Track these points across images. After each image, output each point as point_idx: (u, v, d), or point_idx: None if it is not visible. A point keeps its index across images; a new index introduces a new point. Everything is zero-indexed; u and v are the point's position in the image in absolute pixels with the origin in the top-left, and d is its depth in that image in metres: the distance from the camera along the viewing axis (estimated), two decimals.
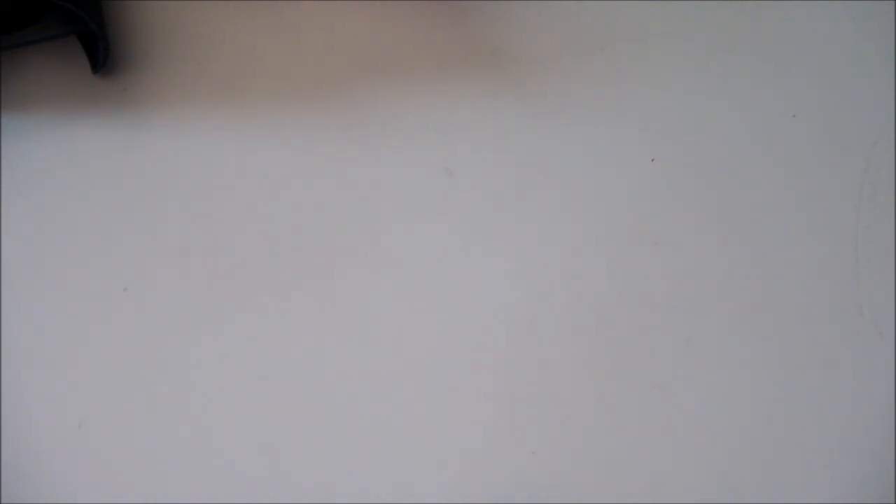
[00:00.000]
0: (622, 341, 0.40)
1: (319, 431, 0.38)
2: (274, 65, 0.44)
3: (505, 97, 0.44)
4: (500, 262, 0.41)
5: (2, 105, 0.42)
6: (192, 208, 0.41)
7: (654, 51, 0.46)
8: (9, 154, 0.42)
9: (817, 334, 0.40)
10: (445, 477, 0.37)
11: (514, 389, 0.39)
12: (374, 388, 0.39)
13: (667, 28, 0.46)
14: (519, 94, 0.44)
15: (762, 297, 0.41)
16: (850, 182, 0.43)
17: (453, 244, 0.41)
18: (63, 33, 0.42)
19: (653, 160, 0.43)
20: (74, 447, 0.37)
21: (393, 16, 0.46)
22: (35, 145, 0.42)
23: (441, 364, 0.39)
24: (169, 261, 0.40)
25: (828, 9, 0.47)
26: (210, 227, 0.41)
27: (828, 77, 0.45)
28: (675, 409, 0.39)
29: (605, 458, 0.38)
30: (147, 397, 0.38)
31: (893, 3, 0.47)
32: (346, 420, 0.38)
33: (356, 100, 0.44)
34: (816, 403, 0.39)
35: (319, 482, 0.37)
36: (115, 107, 0.43)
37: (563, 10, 0.46)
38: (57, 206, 0.41)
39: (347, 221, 0.41)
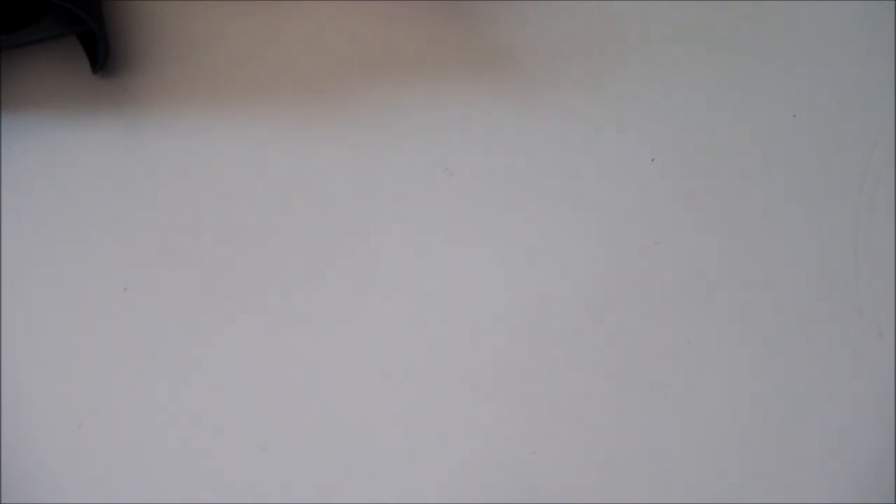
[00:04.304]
0: (622, 341, 0.40)
1: (319, 431, 0.38)
2: (274, 64, 0.44)
3: (505, 97, 0.44)
4: (500, 262, 0.41)
5: (2, 105, 0.42)
6: (192, 208, 0.41)
7: (654, 51, 0.46)
8: (9, 154, 0.42)
9: (817, 334, 0.40)
10: (445, 477, 0.37)
11: (513, 389, 0.39)
12: (375, 387, 0.39)
13: (667, 28, 0.46)
14: (519, 93, 0.44)
15: (762, 297, 0.41)
16: (850, 182, 0.43)
17: (453, 243, 0.41)
18: (63, 33, 0.42)
19: (653, 160, 0.43)
20: (74, 447, 0.37)
21: (393, 16, 0.46)
22: (35, 145, 0.42)
23: (441, 364, 0.39)
24: (169, 261, 0.40)
25: (828, 8, 0.47)
26: (210, 227, 0.41)
27: (828, 77, 0.45)
28: (675, 409, 0.39)
29: (605, 458, 0.38)
30: (147, 397, 0.38)
31: (893, 3, 0.47)
32: (346, 420, 0.38)
33: (356, 99, 0.44)
34: (816, 403, 0.39)
35: (319, 482, 0.37)
36: (116, 106, 0.43)
37: (563, 10, 0.46)
38: (57, 206, 0.41)
39: (348, 221, 0.41)
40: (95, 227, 0.41)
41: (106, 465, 0.37)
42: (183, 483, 0.37)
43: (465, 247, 0.41)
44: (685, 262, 0.41)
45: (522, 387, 0.39)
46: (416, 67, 0.45)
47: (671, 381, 0.39)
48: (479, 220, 0.42)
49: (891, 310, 0.41)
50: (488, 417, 0.38)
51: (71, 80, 0.43)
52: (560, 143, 0.43)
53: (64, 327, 0.39)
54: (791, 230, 0.42)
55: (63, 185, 0.41)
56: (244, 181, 0.42)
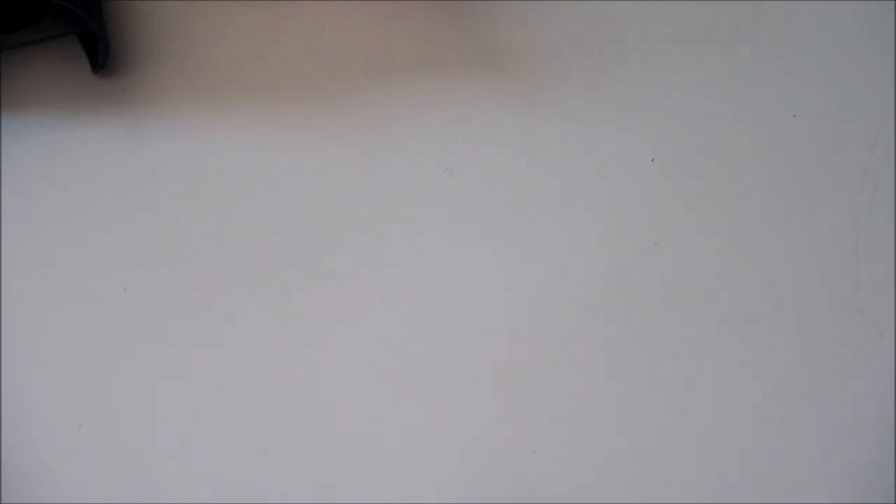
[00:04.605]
0: (622, 341, 0.40)
1: (319, 432, 0.38)
2: (274, 64, 0.44)
3: (505, 97, 0.44)
4: (499, 262, 0.41)
5: (2, 105, 0.42)
6: (192, 208, 0.41)
7: (654, 51, 0.46)
8: (9, 154, 0.42)
9: (817, 334, 0.40)
10: (445, 477, 0.37)
11: (514, 389, 0.39)
12: (375, 387, 0.39)
13: (667, 28, 0.46)
14: (519, 93, 0.44)
15: (762, 297, 0.41)
16: (850, 182, 0.43)
17: (453, 244, 0.41)
18: (63, 33, 0.42)
19: (653, 160, 0.43)
20: (74, 447, 0.37)
21: (393, 15, 0.46)
22: (35, 145, 0.42)
23: (441, 364, 0.39)
24: (169, 261, 0.40)
25: (828, 8, 0.47)
26: (210, 227, 0.41)
27: (828, 77, 0.45)
28: (675, 409, 0.39)
29: (605, 458, 0.38)
30: (147, 397, 0.38)
31: (893, 3, 0.47)
32: (346, 420, 0.38)
33: (356, 99, 0.44)
34: (816, 403, 0.39)
35: (319, 482, 0.37)
36: (116, 106, 0.43)
37: (563, 10, 0.46)
38: (57, 205, 0.41)
39: (347, 221, 0.41)
40: (95, 227, 0.41)
41: (106, 465, 0.37)
42: (183, 483, 0.37)
43: (465, 247, 0.41)
44: (685, 262, 0.41)
45: (522, 387, 0.39)
46: (416, 67, 0.45)
47: (671, 381, 0.39)
48: (479, 220, 0.42)
49: (891, 310, 0.41)
50: (488, 417, 0.38)
51: (71, 80, 0.43)
52: (560, 143, 0.43)
53: (64, 327, 0.39)
54: (791, 230, 0.42)
55: (63, 185, 0.41)
56: (244, 180, 0.42)
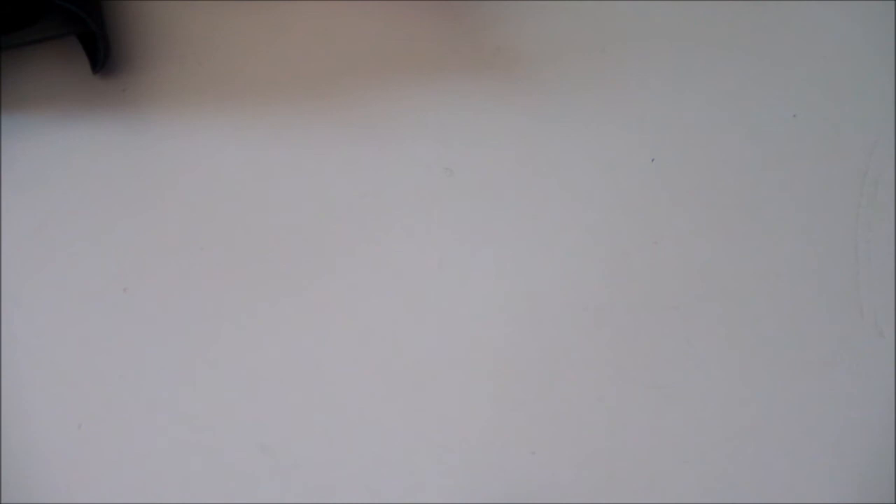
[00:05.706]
0: (622, 341, 0.40)
1: (319, 431, 0.38)
2: (274, 64, 0.44)
3: (505, 97, 0.44)
4: (499, 262, 0.41)
5: (2, 105, 0.42)
6: (192, 208, 0.41)
7: (654, 51, 0.46)
8: (9, 154, 0.42)
9: (817, 334, 0.40)
10: (445, 477, 0.37)
11: (513, 389, 0.39)
12: (374, 387, 0.39)
13: (667, 28, 0.46)
14: (519, 93, 0.44)
15: (762, 298, 0.41)
16: (850, 182, 0.43)
17: (453, 244, 0.41)
18: (63, 33, 0.42)
19: (653, 160, 0.43)
20: (74, 447, 0.37)
21: (393, 16, 0.46)
22: (35, 145, 0.42)
23: (441, 363, 0.39)
24: (169, 261, 0.40)
25: (828, 9, 0.47)
26: (210, 227, 0.41)
27: (828, 77, 0.45)
28: (674, 410, 0.39)
29: (605, 458, 0.38)
30: (147, 397, 0.38)
31: (893, 3, 0.47)
32: (345, 420, 0.38)
33: (356, 99, 0.44)
34: (817, 403, 0.39)
35: (319, 482, 0.37)
36: (115, 107, 0.43)
37: (563, 10, 0.46)
38: (57, 206, 0.41)
39: (347, 221, 0.41)
40: (95, 227, 0.41)
41: (106, 465, 0.37)
42: (182, 483, 0.37)
43: (464, 246, 0.41)
44: (685, 262, 0.41)
45: (522, 386, 0.39)
46: (417, 67, 0.45)
47: (671, 381, 0.39)
48: (479, 219, 0.42)
49: (891, 310, 0.41)
50: (488, 417, 0.38)
51: (71, 80, 0.43)
52: (560, 142, 0.43)
53: (64, 327, 0.39)
54: (791, 230, 0.42)
55: (63, 185, 0.41)
56: (244, 181, 0.42)
